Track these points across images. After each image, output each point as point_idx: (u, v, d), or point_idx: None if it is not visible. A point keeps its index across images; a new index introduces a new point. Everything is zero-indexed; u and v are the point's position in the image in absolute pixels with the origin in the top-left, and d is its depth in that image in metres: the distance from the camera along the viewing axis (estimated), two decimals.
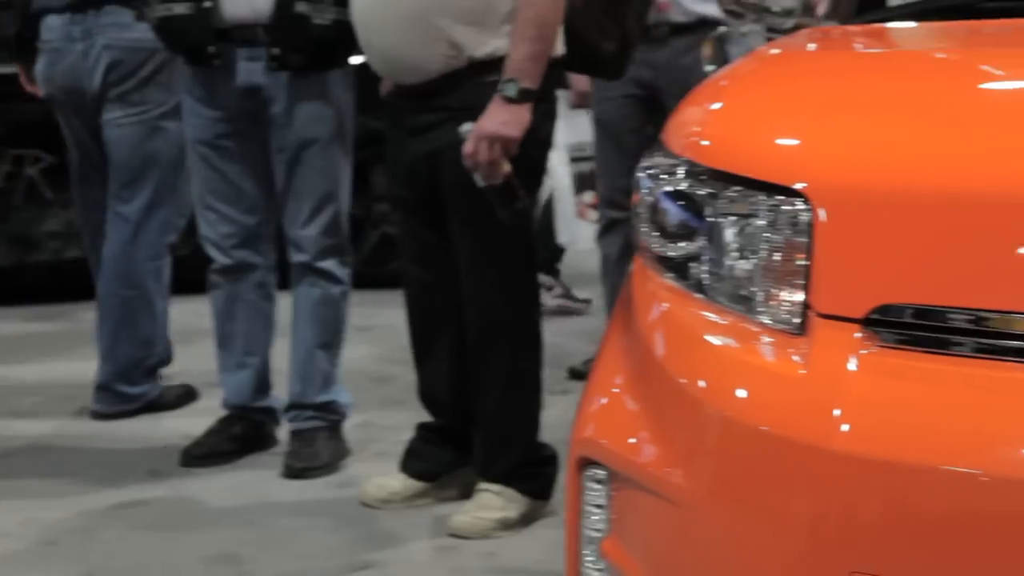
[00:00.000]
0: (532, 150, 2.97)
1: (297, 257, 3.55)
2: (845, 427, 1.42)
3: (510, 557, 2.94)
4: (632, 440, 1.69)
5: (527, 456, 3.14)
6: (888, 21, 2.27)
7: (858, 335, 1.48)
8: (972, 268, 1.45)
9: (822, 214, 1.53)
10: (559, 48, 3.00)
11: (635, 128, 4.22)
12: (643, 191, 1.74)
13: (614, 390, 1.79)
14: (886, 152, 1.56)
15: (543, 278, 5.73)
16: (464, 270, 3.07)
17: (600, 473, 1.75)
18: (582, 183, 5.37)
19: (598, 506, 1.76)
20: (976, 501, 1.36)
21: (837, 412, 1.43)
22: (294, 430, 3.60)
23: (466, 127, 2.88)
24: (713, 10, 3.88)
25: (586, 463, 1.77)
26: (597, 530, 1.76)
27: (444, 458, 3.27)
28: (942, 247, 1.46)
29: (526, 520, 3.10)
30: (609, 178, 4.32)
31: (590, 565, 1.77)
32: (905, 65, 1.93)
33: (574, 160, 5.35)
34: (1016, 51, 1.89)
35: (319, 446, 3.52)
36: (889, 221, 1.49)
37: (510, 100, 2.86)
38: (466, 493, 3.18)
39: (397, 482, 3.26)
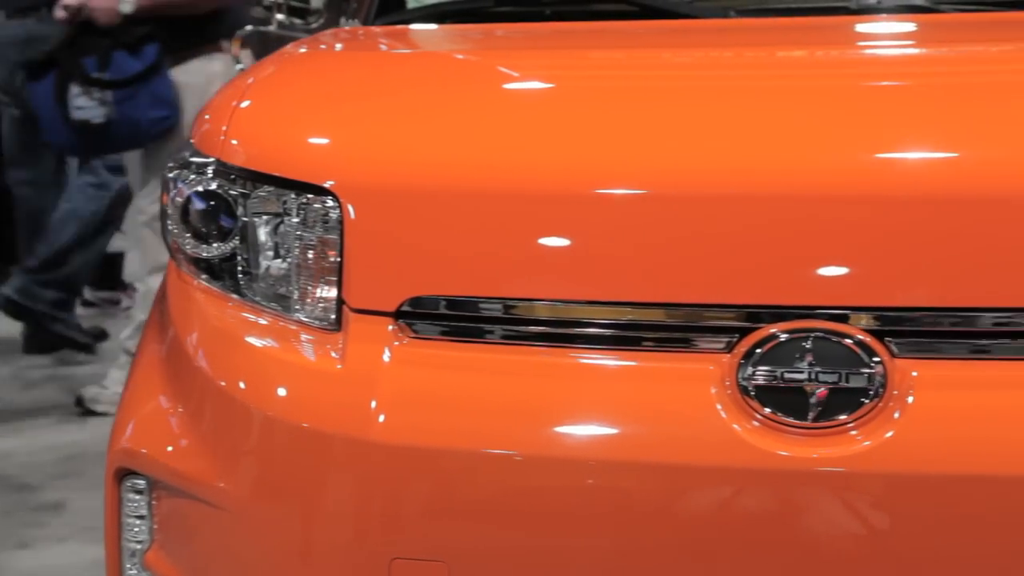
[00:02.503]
0: None
1: None
2: (381, 418, 1.46)
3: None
4: (173, 447, 1.65)
5: None
6: (409, 23, 2.34)
7: (391, 328, 1.52)
8: (497, 259, 1.51)
9: (351, 211, 1.56)
10: None
11: None
12: (172, 192, 1.71)
13: (152, 398, 1.74)
14: (411, 150, 1.60)
15: (108, 295, 5.49)
16: None
17: (140, 483, 1.70)
18: None
19: (139, 517, 1.71)
20: (509, 480, 1.44)
21: (373, 404, 1.47)
22: None
23: None
24: None
25: (125, 473, 1.71)
26: (139, 542, 1.71)
27: None
28: (468, 240, 1.52)
29: None
30: None
31: None
32: (429, 66, 2.00)
33: None
34: (529, 53, 2.01)
35: None
36: (416, 217, 1.54)
37: None
38: None
39: None
